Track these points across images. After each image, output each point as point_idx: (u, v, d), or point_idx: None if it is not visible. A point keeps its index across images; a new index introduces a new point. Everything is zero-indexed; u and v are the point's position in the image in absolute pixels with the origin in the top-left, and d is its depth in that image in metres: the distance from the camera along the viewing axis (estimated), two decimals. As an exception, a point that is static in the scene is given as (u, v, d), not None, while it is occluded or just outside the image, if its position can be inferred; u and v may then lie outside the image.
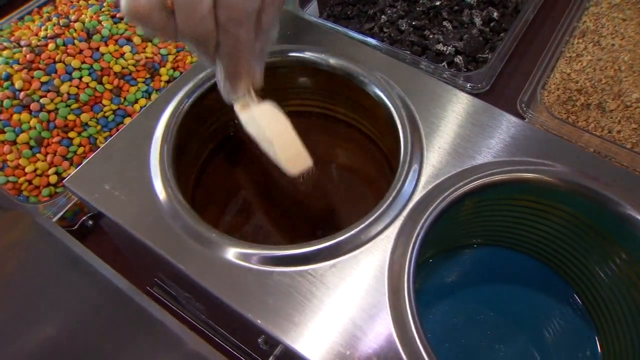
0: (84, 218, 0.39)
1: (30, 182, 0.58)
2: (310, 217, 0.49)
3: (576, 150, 0.42)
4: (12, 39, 0.65)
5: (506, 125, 0.43)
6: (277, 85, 0.49)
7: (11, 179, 0.58)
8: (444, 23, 0.70)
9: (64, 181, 0.41)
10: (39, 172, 0.58)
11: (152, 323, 0.33)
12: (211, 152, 0.50)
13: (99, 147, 0.60)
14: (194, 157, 0.48)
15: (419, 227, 0.37)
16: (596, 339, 0.45)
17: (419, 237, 0.37)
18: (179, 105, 0.44)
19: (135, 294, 0.34)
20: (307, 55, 0.47)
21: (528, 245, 0.48)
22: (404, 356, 0.33)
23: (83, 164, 0.42)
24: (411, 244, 0.37)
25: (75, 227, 0.39)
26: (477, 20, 0.70)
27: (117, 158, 0.42)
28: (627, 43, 0.68)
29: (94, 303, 0.35)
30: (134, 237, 0.38)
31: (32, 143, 0.59)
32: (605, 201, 0.39)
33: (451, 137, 0.43)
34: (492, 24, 0.71)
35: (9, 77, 0.60)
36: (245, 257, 0.37)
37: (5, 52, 0.63)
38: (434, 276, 0.49)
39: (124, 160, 0.42)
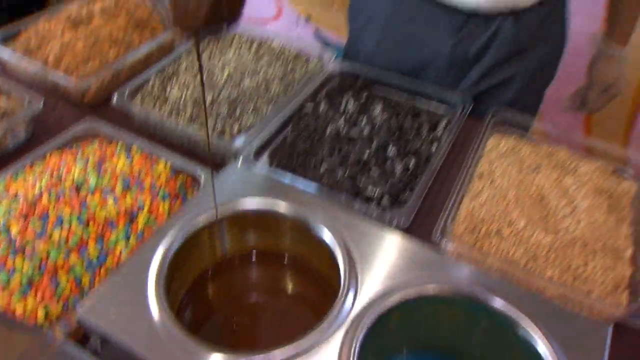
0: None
1: (19, 320, 0.66)
2: (269, 328, 0.61)
3: (471, 269, 0.57)
4: (10, 191, 0.76)
5: (421, 254, 0.58)
6: (234, 233, 0.62)
7: (2, 317, 0.65)
8: (371, 173, 0.88)
9: (78, 312, 0.51)
10: (27, 313, 0.66)
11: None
12: (195, 279, 0.62)
13: (82, 287, 0.70)
14: (182, 283, 0.59)
15: (358, 334, 0.50)
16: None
17: (359, 341, 0.49)
18: (169, 246, 0.56)
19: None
20: (260, 206, 0.61)
21: (444, 344, 0.61)
22: None
23: (89, 296, 0.52)
24: (353, 346, 0.49)
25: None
26: (398, 168, 0.88)
27: (118, 290, 0.53)
28: (512, 183, 0.87)
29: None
30: (134, 353, 0.48)
31: (23, 284, 0.67)
32: (483, 302, 0.53)
33: (380, 265, 0.57)
34: (409, 170, 0.89)
35: (5, 225, 0.70)
36: (225, 362, 0.47)
37: (4, 203, 0.73)
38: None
39: (124, 291, 0.53)
